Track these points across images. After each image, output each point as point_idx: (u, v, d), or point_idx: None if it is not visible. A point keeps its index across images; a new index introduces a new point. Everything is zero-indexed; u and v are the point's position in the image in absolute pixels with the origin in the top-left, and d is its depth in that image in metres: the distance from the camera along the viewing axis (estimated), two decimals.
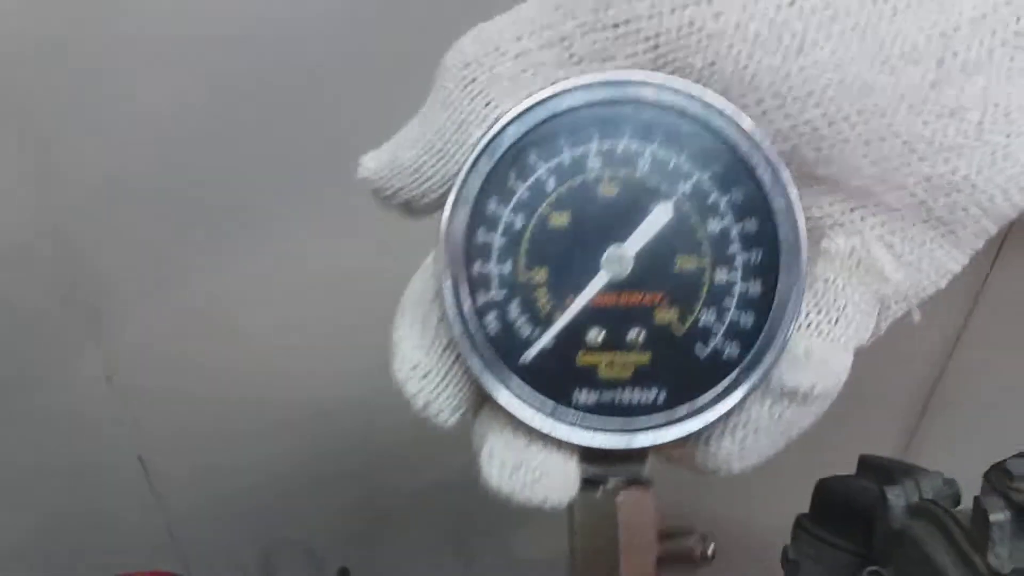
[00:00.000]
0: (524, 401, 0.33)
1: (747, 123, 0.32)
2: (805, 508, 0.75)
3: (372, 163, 0.36)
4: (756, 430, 0.34)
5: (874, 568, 0.64)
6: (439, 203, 0.35)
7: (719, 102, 0.32)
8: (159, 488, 0.99)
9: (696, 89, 0.32)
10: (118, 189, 0.81)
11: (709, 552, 0.37)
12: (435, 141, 0.34)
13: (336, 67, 0.77)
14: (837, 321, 0.34)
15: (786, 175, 0.32)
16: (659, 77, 0.33)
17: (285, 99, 0.78)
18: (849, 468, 0.76)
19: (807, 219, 0.36)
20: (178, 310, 0.89)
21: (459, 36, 0.35)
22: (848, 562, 0.70)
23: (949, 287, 0.38)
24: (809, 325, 0.34)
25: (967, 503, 0.65)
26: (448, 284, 0.33)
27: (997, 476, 0.59)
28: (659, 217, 0.33)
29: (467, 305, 0.33)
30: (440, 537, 0.98)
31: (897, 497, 0.65)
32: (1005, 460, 0.60)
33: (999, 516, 0.55)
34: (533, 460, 0.34)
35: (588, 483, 0.35)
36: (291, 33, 0.76)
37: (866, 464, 0.75)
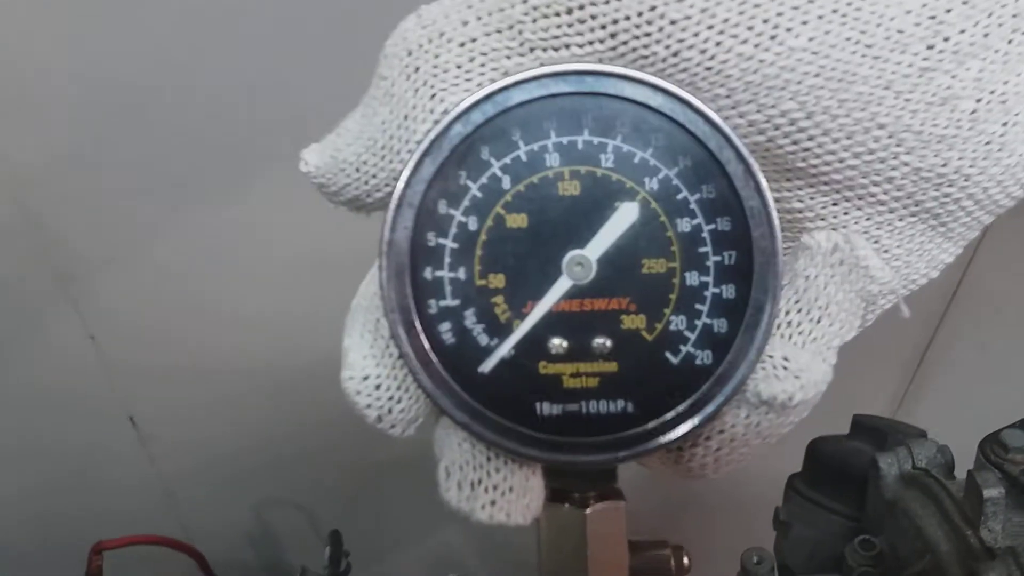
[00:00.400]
0: (482, 417, 0.31)
1: (715, 117, 0.29)
2: (797, 466, 0.74)
3: (313, 158, 0.33)
4: (732, 439, 0.32)
5: (866, 537, 0.63)
6: (388, 200, 0.32)
7: (684, 94, 0.29)
8: (153, 450, 0.98)
9: (659, 80, 0.29)
10: (78, 154, 0.79)
11: (685, 563, 0.36)
12: (377, 137, 0.31)
13: (312, 29, 0.73)
14: (819, 320, 0.32)
15: (759, 173, 0.30)
16: (618, 68, 0.30)
17: (262, 63, 0.75)
18: (843, 424, 0.74)
19: (786, 212, 0.33)
20: (155, 271, 0.87)
21: None
22: (840, 526, 0.69)
23: None
24: (789, 324, 0.32)
25: (960, 459, 0.64)
26: (393, 296, 0.31)
27: (992, 447, 0.58)
28: (624, 217, 0.31)
29: (416, 317, 0.31)
30: (430, 493, 0.98)
31: (890, 465, 0.63)
32: (1000, 431, 0.58)
33: (993, 492, 0.54)
34: (494, 477, 0.32)
35: (555, 496, 0.33)
36: None
37: (859, 425, 0.73)
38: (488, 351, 0.31)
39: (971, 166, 0.30)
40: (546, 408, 0.31)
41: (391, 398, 0.32)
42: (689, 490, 0.95)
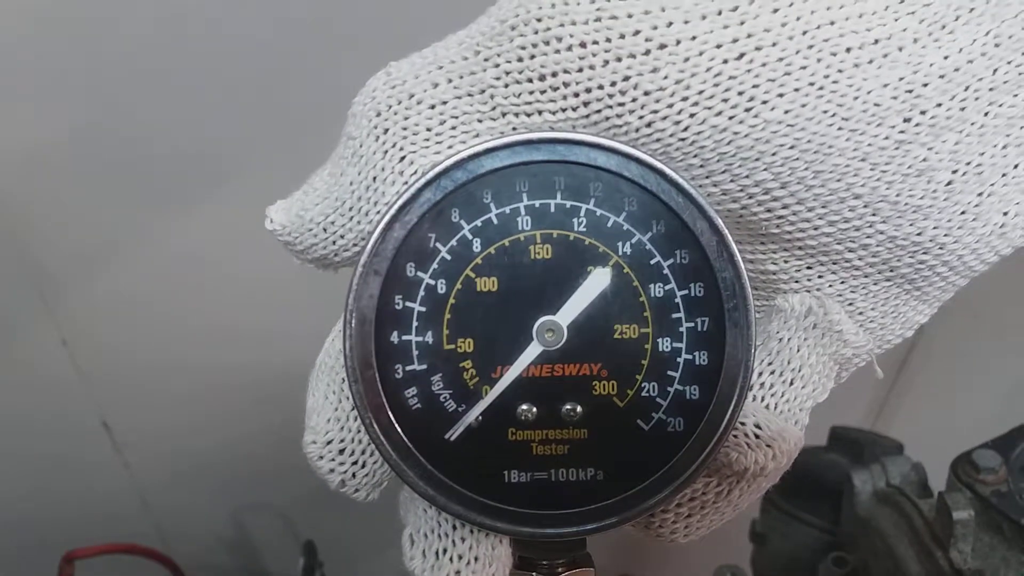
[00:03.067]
0: (447, 489, 0.30)
1: (690, 188, 0.29)
2: None
3: (280, 216, 0.32)
4: (702, 507, 0.32)
5: (839, 554, 0.64)
6: (356, 259, 0.31)
7: (658, 164, 0.29)
8: (127, 456, 0.97)
9: (632, 150, 0.29)
10: (52, 160, 0.77)
11: None
12: (345, 197, 0.31)
13: (293, 38, 0.72)
14: (792, 383, 0.32)
15: (733, 245, 0.29)
16: (590, 136, 0.29)
17: (240, 72, 0.73)
18: (821, 435, 0.74)
19: (760, 274, 0.32)
20: (130, 276, 0.86)
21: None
22: (815, 539, 0.70)
23: None
24: (763, 386, 0.31)
25: (940, 468, 0.64)
26: (356, 364, 0.30)
27: (964, 467, 0.58)
28: (596, 283, 0.30)
29: (379, 384, 0.30)
30: None
31: (864, 483, 0.64)
32: (972, 451, 0.59)
33: (962, 514, 0.54)
34: (459, 546, 0.31)
35: (522, 564, 0.32)
36: None
37: (837, 437, 0.74)
38: (455, 418, 0.30)
39: (946, 235, 0.30)
40: (514, 476, 0.31)
41: (355, 463, 0.32)
42: None
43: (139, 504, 1.00)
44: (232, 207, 0.80)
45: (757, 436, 0.30)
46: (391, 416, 0.30)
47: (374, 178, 0.30)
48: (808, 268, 0.32)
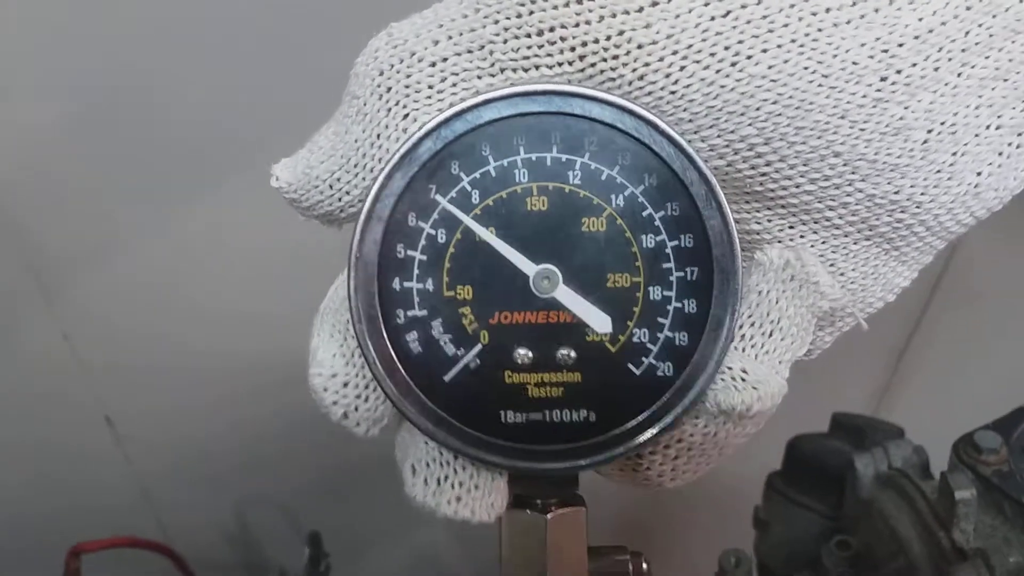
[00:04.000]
0: (446, 424, 0.32)
1: (680, 138, 0.30)
2: (777, 463, 0.74)
3: (285, 174, 0.33)
4: (689, 448, 0.33)
5: (842, 538, 0.64)
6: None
7: (650, 116, 0.30)
8: (129, 450, 0.98)
9: (626, 102, 0.30)
10: (51, 152, 0.78)
11: (644, 569, 0.36)
12: (351, 155, 0.32)
13: (284, 32, 0.73)
14: (771, 334, 0.33)
15: (721, 194, 0.30)
16: (586, 89, 0.30)
17: (236, 63, 0.74)
18: (824, 421, 0.74)
19: (745, 233, 0.34)
20: (130, 269, 0.86)
21: None
22: (818, 525, 0.70)
23: None
24: (743, 338, 0.33)
25: (943, 454, 0.64)
26: (360, 306, 0.31)
27: (965, 449, 0.58)
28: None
29: (382, 326, 0.31)
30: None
31: (866, 466, 0.64)
32: (973, 432, 0.59)
33: (965, 494, 0.54)
34: (460, 474, 0.32)
35: (517, 502, 0.34)
36: None
37: (838, 423, 0.74)
38: (454, 361, 0.32)
39: (923, 194, 0.31)
40: (511, 416, 0.32)
41: (358, 396, 0.33)
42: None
43: (141, 497, 1.00)
44: (236, 202, 0.81)
45: (744, 379, 0.31)
46: (393, 357, 0.31)
47: (378, 135, 0.31)
48: (790, 227, 0.33)
